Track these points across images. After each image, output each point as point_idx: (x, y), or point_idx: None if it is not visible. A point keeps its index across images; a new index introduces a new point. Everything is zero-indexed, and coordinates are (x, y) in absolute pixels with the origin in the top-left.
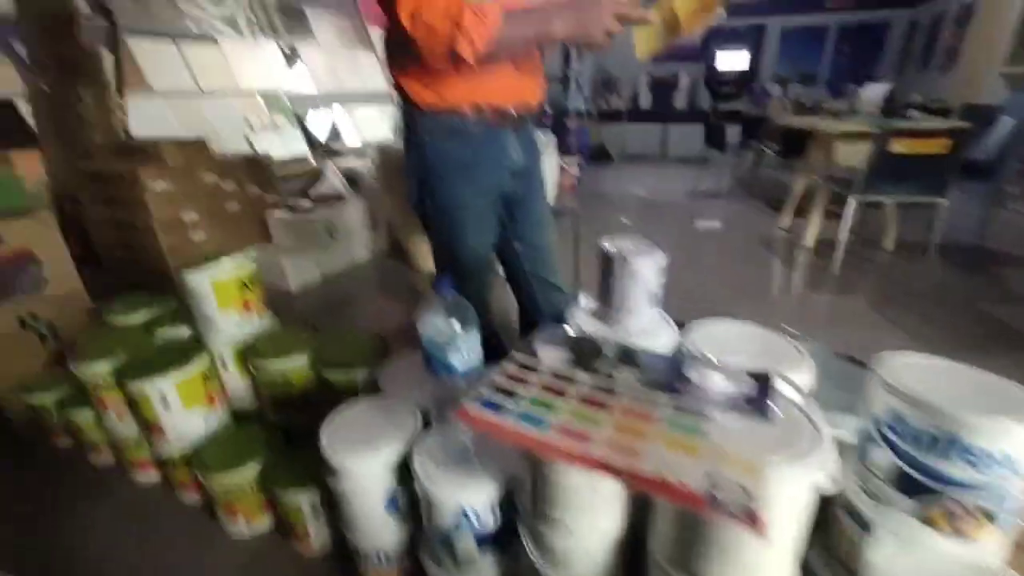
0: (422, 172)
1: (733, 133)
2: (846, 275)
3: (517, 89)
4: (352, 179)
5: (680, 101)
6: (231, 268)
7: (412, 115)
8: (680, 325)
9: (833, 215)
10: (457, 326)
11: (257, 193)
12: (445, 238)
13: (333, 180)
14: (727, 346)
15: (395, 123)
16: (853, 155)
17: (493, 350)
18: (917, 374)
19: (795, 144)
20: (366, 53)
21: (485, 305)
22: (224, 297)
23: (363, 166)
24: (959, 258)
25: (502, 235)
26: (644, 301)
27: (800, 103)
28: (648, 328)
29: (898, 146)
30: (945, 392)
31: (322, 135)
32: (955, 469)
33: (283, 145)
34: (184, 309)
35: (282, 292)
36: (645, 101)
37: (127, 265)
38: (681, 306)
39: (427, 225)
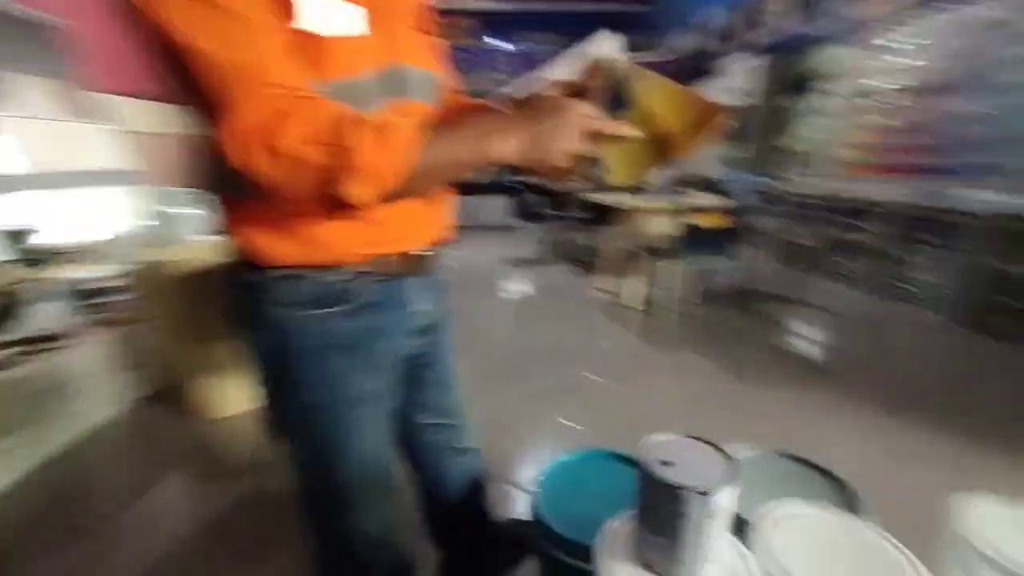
0: (277, 359)
1: (538, 203)
2: (676, 329)
3: (428, 223)
4: (89, 295)
5: (479, 175)
6: None
7: (256, 275)
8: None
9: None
10: None
11: None
12: (322, 450)
13: (47, 313)
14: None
15: (152, 213)
16: (658, 226)
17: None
18: None
19: (601, 214)
20: (93, 124)
21: (393, 535)
22: None
23: (104, 275)
24: (740, 301)
25: (402, 410)
26: (724, 541)
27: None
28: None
29: (697, 220)
30: None
31: (27, 231)
32: None
33: None
34: None
35: None
36: None
37: None
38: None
39: (289, 433)
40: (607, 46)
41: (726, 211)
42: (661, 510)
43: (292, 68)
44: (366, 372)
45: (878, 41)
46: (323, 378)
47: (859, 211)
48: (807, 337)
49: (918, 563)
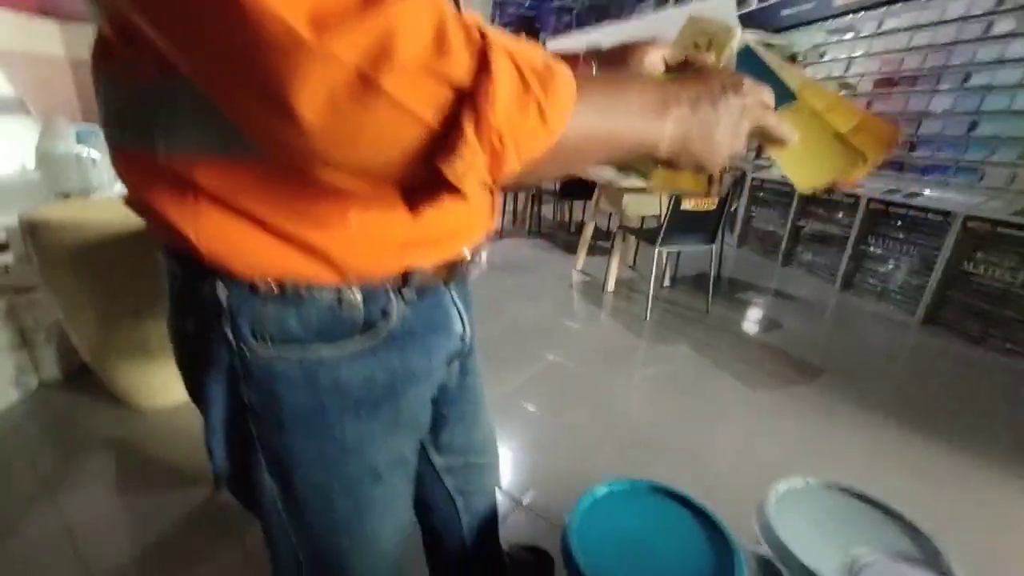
0: (257, 422)
1: None
2: (658, 318)
3: (476, 217)
4: None
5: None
6: None
7: (230, 292)
8: None
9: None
10: None
11: None
12: (320, 534)
13: None
14: None
15: (38, 153)
16: (641, 207)
17: None
18: None
19: (575, 187)
20: None
21: None
22: None
23: None
24: (721, 288)
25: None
26: None
27: None
28: None
29: (687, 204)
30: None
31: None
32: None
33: None
34: None
35: None
36: None
37: None
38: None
39: (270, 511)
40: (722, 9)
41: (710, 195)
42: None
43: None
44: (390, 434)
45: (852, 27)
46: (328, 451)
47: (827, 202)
48: (778, 326)
49: None
